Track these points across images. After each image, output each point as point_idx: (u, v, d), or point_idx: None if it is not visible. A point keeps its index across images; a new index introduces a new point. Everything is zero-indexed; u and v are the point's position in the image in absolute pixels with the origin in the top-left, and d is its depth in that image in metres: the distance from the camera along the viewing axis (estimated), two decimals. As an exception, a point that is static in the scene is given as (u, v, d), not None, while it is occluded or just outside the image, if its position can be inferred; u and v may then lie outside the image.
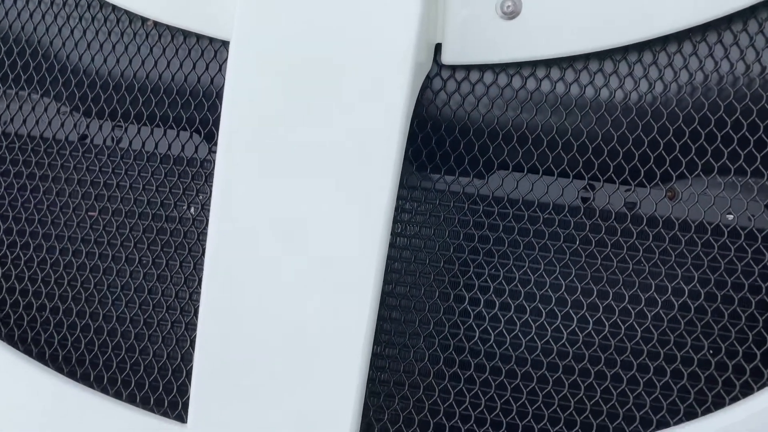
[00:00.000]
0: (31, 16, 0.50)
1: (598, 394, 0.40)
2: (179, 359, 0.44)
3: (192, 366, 0.42)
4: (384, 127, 0.42)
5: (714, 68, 0.43)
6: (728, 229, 0.40)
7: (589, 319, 0.41)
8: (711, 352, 0.38)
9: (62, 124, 0.49)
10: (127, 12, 0.48)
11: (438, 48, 0.45)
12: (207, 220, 0.42)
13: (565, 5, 0.44)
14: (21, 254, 0.46)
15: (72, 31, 0.50)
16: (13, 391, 0.47)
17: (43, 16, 0.50)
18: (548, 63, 0.45)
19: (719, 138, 0.42)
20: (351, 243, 0.41)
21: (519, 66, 0.45)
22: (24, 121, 0.49)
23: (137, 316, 0.44)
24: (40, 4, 0.50)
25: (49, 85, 0.49)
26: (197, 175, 0.46)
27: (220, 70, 0.46)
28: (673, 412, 0.39)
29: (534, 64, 0.45)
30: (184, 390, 0.43)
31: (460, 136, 0.45)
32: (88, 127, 0.49)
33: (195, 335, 0.41)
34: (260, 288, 0.41)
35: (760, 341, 0.38)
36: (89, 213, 0.46)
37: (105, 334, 0.45)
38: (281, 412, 0.40)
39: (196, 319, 0.42)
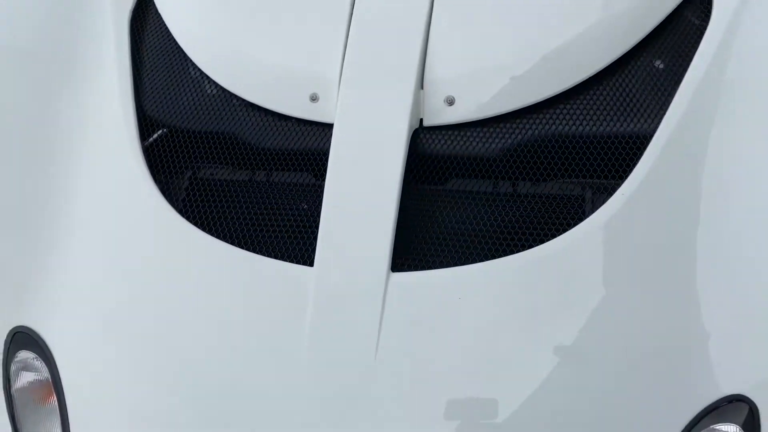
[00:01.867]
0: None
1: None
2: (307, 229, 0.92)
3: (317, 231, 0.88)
4: (396, 150, 0.96)
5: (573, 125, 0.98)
6: None
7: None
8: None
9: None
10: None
11: (421, 120, 1.00)
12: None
13: (475, 98, 1.00)
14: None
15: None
16: (200, 256, 0.93)
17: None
18: (469, 124, 1.00)
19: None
20: (382, 189, 0.91)
21: (456, 126, 1.00)
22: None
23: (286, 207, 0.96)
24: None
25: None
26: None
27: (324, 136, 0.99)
28: None
29: (462, 125, 1.00)
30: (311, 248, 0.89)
31: (431, 157, 0.99)
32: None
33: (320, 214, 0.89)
34: (348, 194, 0.91)
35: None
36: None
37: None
38: (358, 249, 0.87)
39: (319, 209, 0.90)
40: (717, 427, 0.79)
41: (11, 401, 0.95)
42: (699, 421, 0.79)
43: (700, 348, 0.82)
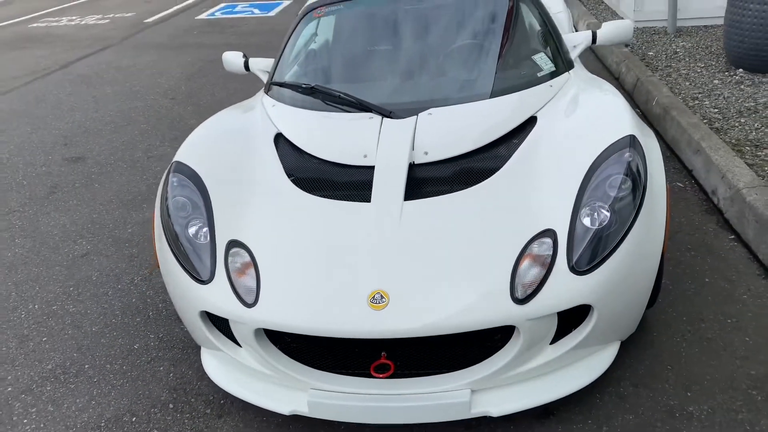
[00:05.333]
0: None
1: None
2: None
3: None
4: (402, 170, 2.21)
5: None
6: None
7: None
8: None
9: None
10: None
11: (413, 162, 2.27)
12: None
13: (437, 152, 2.28)
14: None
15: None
16: (321, 208, 2.14)
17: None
18: (435, 162, 2.27)
19: None
20: (397, 181, 2.17)
21: (429, 163, 2.26)
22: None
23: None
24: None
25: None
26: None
27: (371, 172, 2.24)
28: None
29: (431, 163, 2.26)
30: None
31: (418, 175, 2.23)
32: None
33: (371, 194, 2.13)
34: (383, 183, 2.16)
35: None
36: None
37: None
38: (389, 196, 2.10)
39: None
40: (541, 240, 1.92)
41: (229, 273, 2.02)
42: (534, 237, 1.93)
43: (534, 213, 1.99)
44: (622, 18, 5.89)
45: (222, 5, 11.02)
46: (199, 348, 2.53)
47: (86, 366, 2.52)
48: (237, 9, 10.53)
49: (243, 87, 5.94)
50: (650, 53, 5.34)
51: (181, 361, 2.49)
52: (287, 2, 10.77)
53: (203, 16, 10.18)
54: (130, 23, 10.09)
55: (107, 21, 10.48)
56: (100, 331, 2.72)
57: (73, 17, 11.15)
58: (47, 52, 8.41)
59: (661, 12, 6.06)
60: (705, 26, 6.00)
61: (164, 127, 5.18)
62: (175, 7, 11.22)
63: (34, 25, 10.69)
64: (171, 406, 2.27)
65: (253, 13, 10.09)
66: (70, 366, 2.53)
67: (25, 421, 2.27)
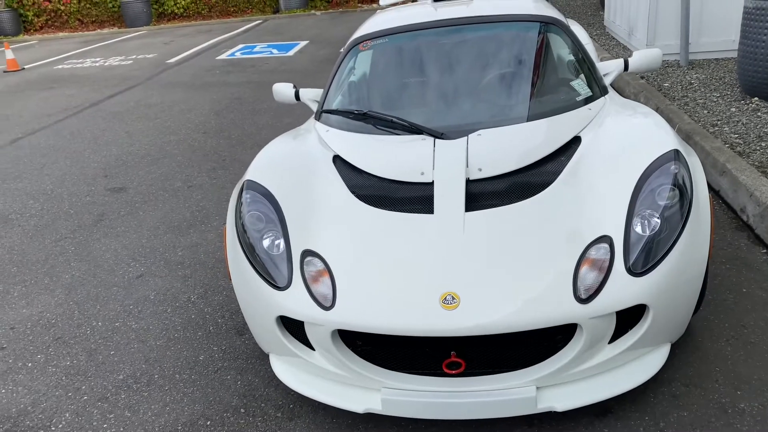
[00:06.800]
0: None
1: None
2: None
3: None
4: (460, 186, 2.37)
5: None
6: None
7: None
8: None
9: None
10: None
11: (468, 178, 2.43)
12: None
13: (489, 169, 2.45)
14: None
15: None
16: (389, 220, 2.30)
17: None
18: (488, 178, 2.43)
19: None
20: (457, 195, 2.32)
21: (482, 179, 2.43)
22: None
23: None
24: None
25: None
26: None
27: (429, 188, 2.41)
28: None
29: (485, 178, 2.43)
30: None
31: (473, 189, 2.40)
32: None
33: (433, 206, 2.29)
34: (444, 197, 2.32)
35: None
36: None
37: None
38: (450, 210, 2.25)
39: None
40: (598, 245, 2.07)
41: (305, 279, 2.17)
42: (591, 243, 2.07)
43: (589, 222, 2.14)
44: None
45: (241, 46, 11.40)
46: (263, 358, 2.66)
47: (156, 376, 2.64)
48: (256, 50, 10.89)
49: (271, 122, 6.17)
50: (665, 84, 5.56)
51: (247, 370, 2.62)
52: (303, 43, 11.13)
53: (223, 56, 10.53)
54: (153, 64, 10.44)
55: (130, 62, 10.84)
56: (165, 345, 2.85)
57: (97, 59, 11.53)
58: (76, 92, 8.71)
59: (672, 46, 6.31)
60: (716, 59, 6.24)
61: (200, 159, 5.38)
62: (196, 48, 11.61)
63: (60, 66, 11.05)
64: (242, 410, 2.39)
65: (271, 53, 10.43)
66: (141, 376, 2.65)
67: (105, 425, 2.39)
